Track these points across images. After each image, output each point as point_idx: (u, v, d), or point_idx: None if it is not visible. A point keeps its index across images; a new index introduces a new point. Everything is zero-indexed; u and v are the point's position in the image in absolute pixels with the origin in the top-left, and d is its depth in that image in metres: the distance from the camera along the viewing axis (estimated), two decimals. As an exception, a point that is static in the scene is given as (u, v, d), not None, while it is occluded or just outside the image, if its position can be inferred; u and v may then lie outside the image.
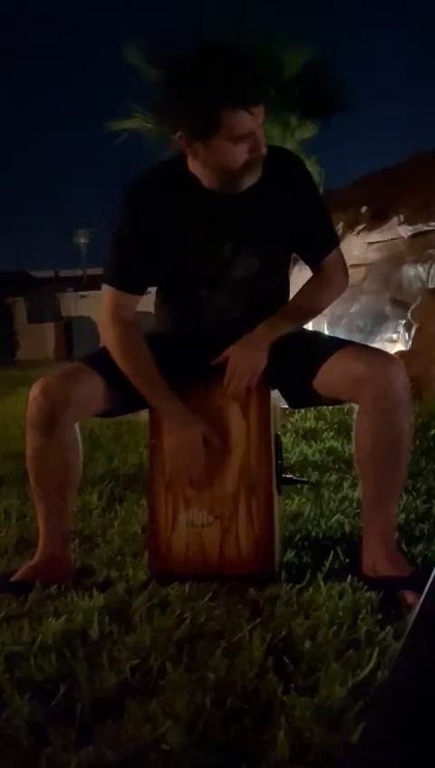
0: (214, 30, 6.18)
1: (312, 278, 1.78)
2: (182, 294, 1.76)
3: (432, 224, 5.15)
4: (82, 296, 16.06)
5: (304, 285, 1.77)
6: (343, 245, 1.85)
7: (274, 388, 1.73)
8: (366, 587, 1.53)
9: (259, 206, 1.66)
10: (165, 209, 1.66)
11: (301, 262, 1.87)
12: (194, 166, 1.63)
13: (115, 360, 1.67)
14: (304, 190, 1.72)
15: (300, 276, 1.94)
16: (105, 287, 1.72)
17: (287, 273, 1.84)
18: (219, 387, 1.68)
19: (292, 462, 2.74)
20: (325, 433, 3.29)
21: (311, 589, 1.54)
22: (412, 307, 4.87)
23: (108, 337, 1.70)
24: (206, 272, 1.70)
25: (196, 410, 1.68)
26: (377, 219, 5.64)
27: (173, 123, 1.58)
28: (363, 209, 5.80)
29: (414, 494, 2.21)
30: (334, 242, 1.79)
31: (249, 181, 1.61)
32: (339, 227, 5.55)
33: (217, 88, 1.49)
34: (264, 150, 1.56)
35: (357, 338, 5.02)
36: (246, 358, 1.65)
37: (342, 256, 1.80)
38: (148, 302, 1.80)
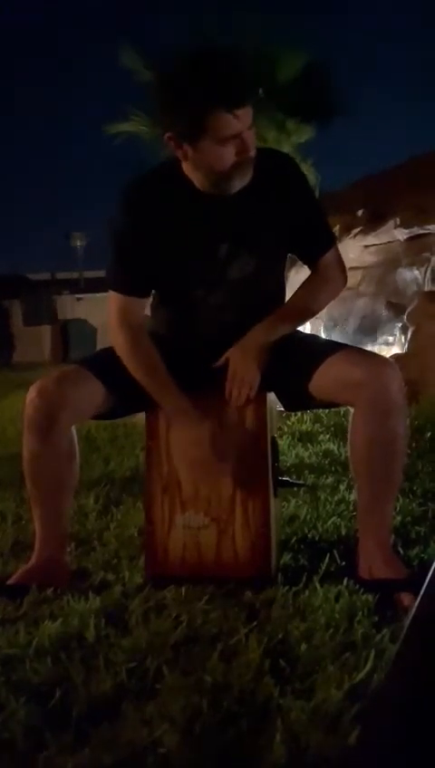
0: (211, 32, 6.19)
1: (309, 278, 1.78)
2: (178, 296, 1.76)
3: (429, 227, 5.17)
4: (79, 299, 16.04)
5: (301, 285, 1.77)
6: (340, 249, 1.85)
7: (270, 391, 1.73)
8: (362, 589, 1.53)
9: (253, 206, 1.66)
10: (161, 211, 1.66)
11: (298, 263, 1.88)
12: (186, 167, 1.64)
13: (125, 365, 1.67)
14: (299, 190, 1.73)
15: (297, 278, 1.94)
16: (111, 293, 1.72)
17: (283, 273, 1.84)
18: (216, 389, 1.68)
19: (288, 464, 2.74)
20: (321, 435, 3.29)
21: (307, 591, 1.54)
22: (408, 310, 4.88)
23: (117, 342, 1.70)
24: (201, 273, 1.70)
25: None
26: (373, 222, 5.65)
27: (162, 124, 1.59)
28: (360, 212, 5.81)
29: (410, 496, 2.21)
30: (331, 241, 1.79)
31: (240, 183, 1.61)
32: (335, 230, 5.53)
33: (202, 90, 1.50)
34: (252, 153, 1.57)
35: (353, 341, 5.03)
36: (244, 366, 1.65)
37: (339, 256, 1.80)
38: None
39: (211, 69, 1.52)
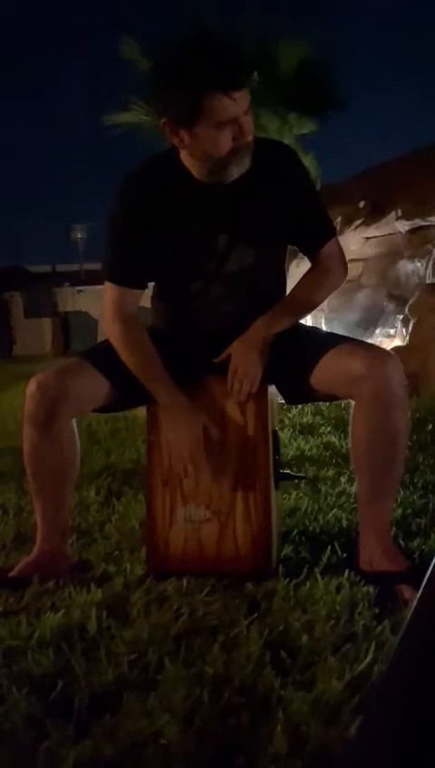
0: (212, 23, 6.17)
1: (309, 270, 1.77)
2: (178, 288, 1.75)
3: (430, 219, 5.15)
4: (79, 291, 16.05)
5: (301, 278, 1.77)
6: (341, 241, 1.84)
7: (270, 384, 1.72)
8: (363, 581, 1.53)
9: (252, 196, 1.65)
10: (157, 202, 1.66)
11: (299, 256, 1.87)
12: (184, 156, 1.63)
13: (120, 356, 1.67)
14: (298, 180, 1.71)
15: (298, 271, 1.94)
16: (106, 284, 1.72)
17: (283, 265, 1.83)
18: (216, 382, 1.68)
19: (289, 457, 2.74)
20: (323, 428, 3.29)
21: (308, 583, 1.55)
22: (410, 302, 4.87)
23: (111, 333, 1.70)
24: (200, 264, 1.69)
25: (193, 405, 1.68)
26: (375, 214, 5.63)
27: (158, 110, 1.58)
28: (361, 204, 5.79)
29: (411, 488, 2.21)
30: (331, 232, 1.78)
31: (237, 171, 1.60)
32: (337, 222, 5.54)
33: (198, 72, 1.49)
34: (249, 137, 1.55)
35: (354, 333, 5.02)
36: (246, 363, 1.64)
37: (339, 247, 1.79)
38: (145, 296, 1.80)
39: (207, 51, 1.51)
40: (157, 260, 1.70)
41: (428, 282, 5.05)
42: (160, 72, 1.59)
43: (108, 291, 1.72)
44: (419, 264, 5.23)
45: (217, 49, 1.53)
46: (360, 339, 1.78)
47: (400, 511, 1.99)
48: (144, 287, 1.75)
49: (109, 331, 1.71)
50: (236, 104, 1.50)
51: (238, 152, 1.56)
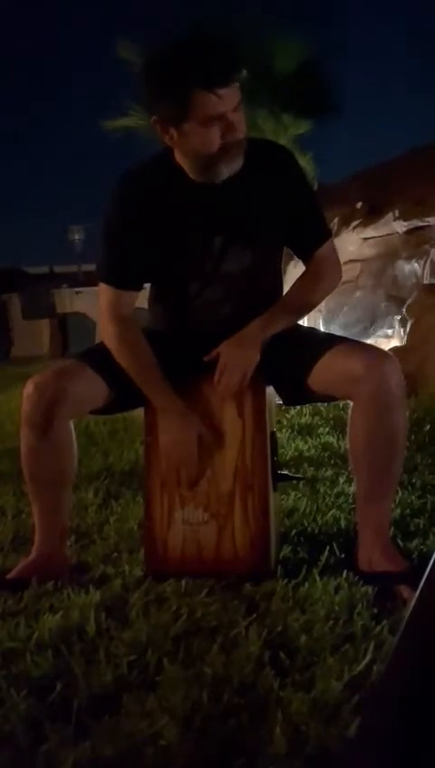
0: (210, 23, 6.16)
1: (304, 272, 1.77)
2: (174, 289, 1.75)
3: (427, 219, 5.16)
4: (78, 292, 16.01)
5: (297, 280, 1.76)
6: (338, 242, 1.84)
7: (268, 385, 1.72)
8: (362, 582, 1.53)
9: (246, 197, 1.65)
10: (153, 203, 1.66)
11: (296, 257, 1.87)
12: (178, 156, 1.63)
13: (115, 358, 1.67)
14: (293, 181, 1.71)
15: (295, 272, 1.94)
16: (101, 285, 1.72)
17: (279, 266, 1.83)
18: (213, 383, 1.68)
19: (287, 458, 2.74)
20: (321, 428, 3.29)
21: (307, 584, 1.55)
22: (407, 303, 4.88)
23: (107, 334, 1.70)
24: (197, 265, 1.69)
25: (191, 407, 1.68)
26: (372, 215, 5.64)
27: (148, 108, 1.59)
28: (358, 205, 5.79)
29: (409, 489, 2.21)
30: (326, 234, 1.77)
31: (228, 169, 1.59)
32: (334, 223, 5.55)
33: (183, 70, 1.49)
34: (239, 135, 1.55)
35: (352, 334, 5.03)
36: (236, 356, 1.64)
37: (334, 249, 1.79)
38: (141, 297, 1.80)
39: (192, 49, 1.52)
40: (153, 261, 1.70)
41: (425, 282, 5.05)
42: (148, 71, 1.60)
43: (103, 292, 1.72)
44: (416, 265, 5.24)
45: (203, 46, 1.53)
46: (358, 339, 1.77)
47: (398, 511, 1.99)
48: (140, 289, 1.75)
49: (104, 332, 1.71)
50: (223, 101, 1.50)
51: (229, 150, 1.55)
